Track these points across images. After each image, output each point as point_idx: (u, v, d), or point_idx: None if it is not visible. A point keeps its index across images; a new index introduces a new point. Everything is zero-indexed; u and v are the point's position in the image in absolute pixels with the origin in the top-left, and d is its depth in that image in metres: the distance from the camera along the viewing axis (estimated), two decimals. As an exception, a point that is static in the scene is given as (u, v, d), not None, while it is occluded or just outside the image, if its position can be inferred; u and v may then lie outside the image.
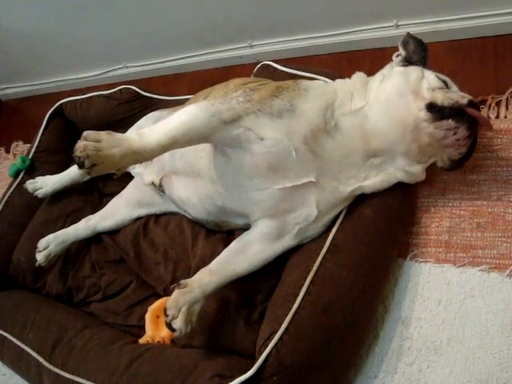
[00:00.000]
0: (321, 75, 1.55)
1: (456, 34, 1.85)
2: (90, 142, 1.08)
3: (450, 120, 1.26)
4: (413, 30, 1.87)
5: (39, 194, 1.90)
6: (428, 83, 1.31)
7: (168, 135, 1.18)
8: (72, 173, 1.90)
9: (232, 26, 2.23)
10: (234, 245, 1.38)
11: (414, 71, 1.34)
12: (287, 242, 1.35)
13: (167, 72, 2.60)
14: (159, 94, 2.03)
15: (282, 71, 1.67)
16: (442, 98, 1.27)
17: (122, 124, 1.91)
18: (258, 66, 1.79)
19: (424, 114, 1.26)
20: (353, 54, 2.08)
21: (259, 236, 1.35)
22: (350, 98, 1.32)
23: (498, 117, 1.63)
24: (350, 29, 2.03)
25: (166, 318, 1.26)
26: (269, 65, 1.73)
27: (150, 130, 1.20)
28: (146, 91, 2.03)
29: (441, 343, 1.33)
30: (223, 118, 1.22)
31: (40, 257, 1.70)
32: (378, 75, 1.39)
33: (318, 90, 1.34)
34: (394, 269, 1.47)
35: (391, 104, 1.29)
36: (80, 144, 1.08)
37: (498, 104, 1.65)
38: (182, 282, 1.29)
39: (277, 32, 2.18)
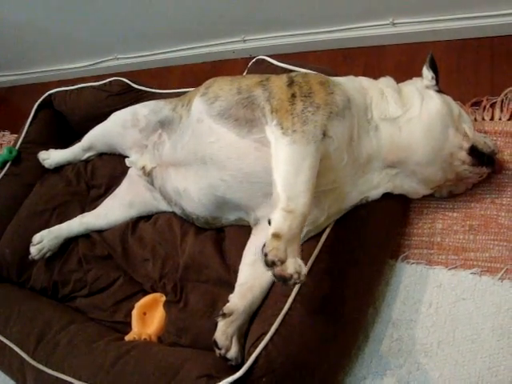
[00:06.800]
0: (316, 71, 1.52)
1: (453, 34, 1.85)
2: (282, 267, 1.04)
3: (484, 167, 1.40)
4: (409, 29, 1.90)
5: (45, 163, 1.99)
6: (465, 122, 1.40)
7: (309, 192, 1.12)
8: (76, 149, 1.95)
9: (225, 19, 2.21)
10: (249, 257, 1.34)
11: (456, 107, 1.40)
12: None
13: (158, 64, 2.58)
14: (150, 87, 1.99)
15: (278, 66, 1.64)
16: (482, 144, 1.39)
17: (111, 116, 1.87)
18: (253, 60, 1.76)
19: (465, 156, 1.36)
20: (348, 51, 2.06)
21: None
22: (387, 101, 1.34)
23: (492, 119, 1.63)
24: (346, 26, 2.01)
25: (220, 351, 1.21)
26: (264, 60, 1.71)
27: (286, 200, 1.10)
28: (136, 84, 1.99)
29: (431, 346, 1.33)
30: (318, 137, 1.18)
31: (33, 250, 1.69)
32: (412, 88, 1.40)
33: (349, 84, 1.34)
34: (386, 270, 1.46)
35: (433, 129, 1.33)
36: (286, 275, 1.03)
37: (492, 106, 1.65)
38: (226, 310, 1.24)
39: (271, 27, 2.16)
